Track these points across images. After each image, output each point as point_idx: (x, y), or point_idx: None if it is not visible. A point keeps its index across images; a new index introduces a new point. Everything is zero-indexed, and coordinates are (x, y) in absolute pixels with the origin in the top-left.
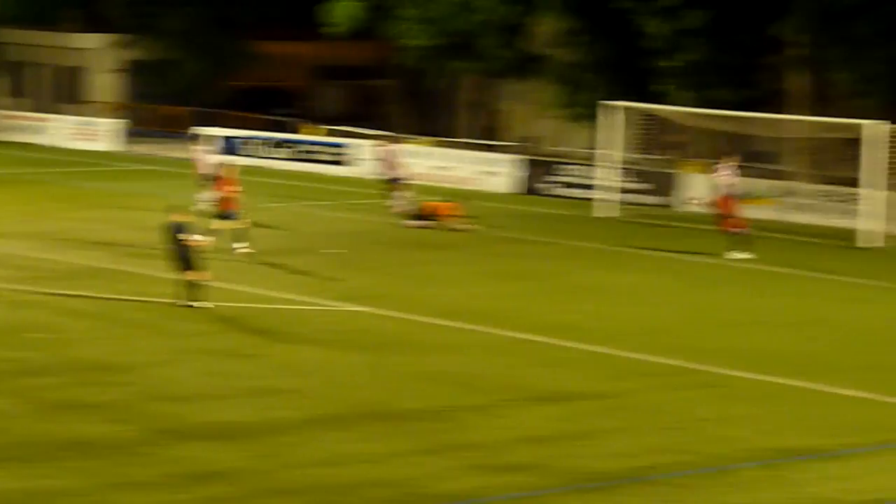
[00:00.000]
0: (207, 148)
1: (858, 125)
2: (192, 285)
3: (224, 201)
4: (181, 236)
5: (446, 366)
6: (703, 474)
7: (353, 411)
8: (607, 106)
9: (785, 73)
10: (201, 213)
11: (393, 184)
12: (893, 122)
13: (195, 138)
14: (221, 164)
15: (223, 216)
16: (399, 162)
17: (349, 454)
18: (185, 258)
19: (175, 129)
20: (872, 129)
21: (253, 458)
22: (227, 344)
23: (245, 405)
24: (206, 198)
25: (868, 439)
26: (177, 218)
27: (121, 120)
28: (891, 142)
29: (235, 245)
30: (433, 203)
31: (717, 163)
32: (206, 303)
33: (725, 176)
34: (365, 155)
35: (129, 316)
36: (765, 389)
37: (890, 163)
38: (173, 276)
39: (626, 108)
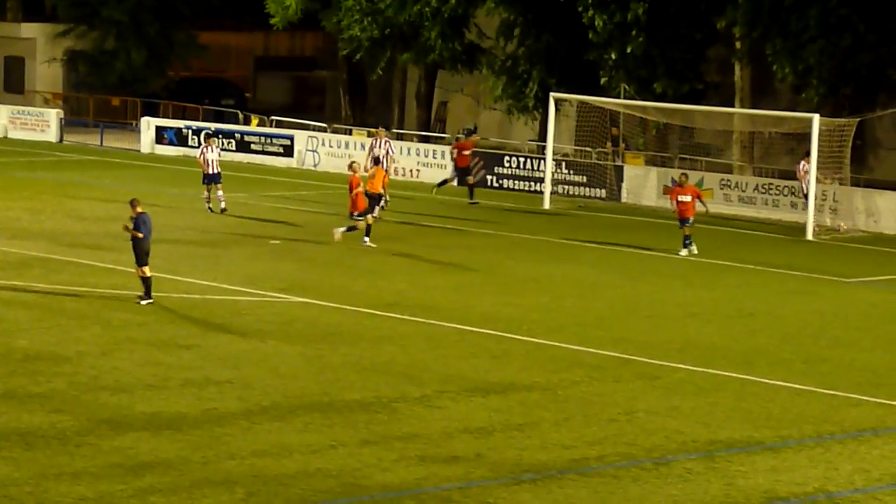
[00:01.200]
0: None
1: (809, 119)
2: (144, 281)
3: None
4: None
5: (387, 357)
6: (642, 466)
7: (293, 402)
8: (551, 98)
9: (727, 65)
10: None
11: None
12: (832, 115)
13: (209, 136)
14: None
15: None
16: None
17: (289, 445)
18: (135, 252)
19: (116, 120)
20: (824, 123)
21: (193, 449)
22: (167, 335)
23: (185, 396)
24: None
25: (806, 431)
26: (137, 210)
27: (60, 110)
28: (836, 135)
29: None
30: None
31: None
32: (149, 300)
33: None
34: (307, 146)
35: (69, 306)
36: (704, 381)
37: (835, 156)
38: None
39: (572, 101)
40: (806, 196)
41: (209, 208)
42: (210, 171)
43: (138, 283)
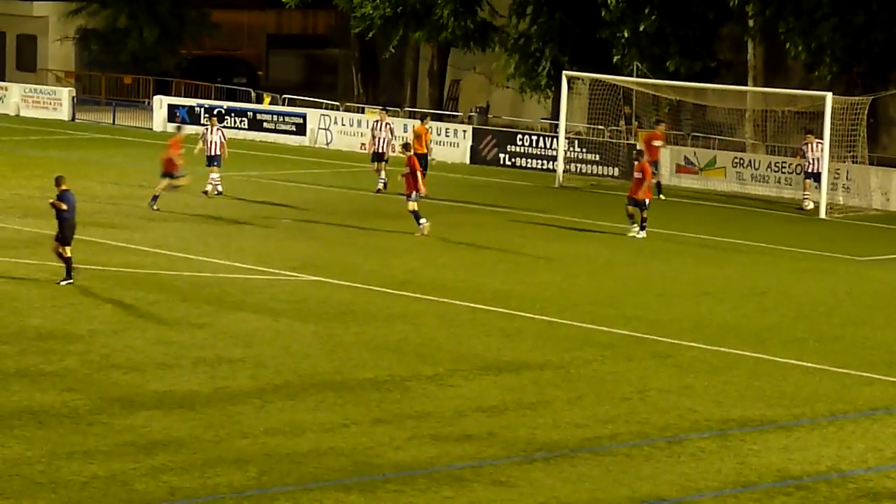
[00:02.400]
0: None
1: (822, 97)
2: (66, 260)
3: (168, 162)
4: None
5: (399, 335)
6: (654, 444)
7: (306, 381)
8: (564, 76)
9: (740, 43)
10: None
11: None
12: (845, 93)
13: (212, 117)
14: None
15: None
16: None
17: (301, 423)
18: (61, 230)
19: (128, 98)
20: (837, 102)
21: (205, 428)
22: (179, 313)
23: (197, 374)
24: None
25: (819, 410)
26: (62, 187)
27: (73, 88)
28: (849, 114)
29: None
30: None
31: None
32: (69, 280)
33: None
34: (319, 124)
35: (81, 284)
36: (717, 360)
37: (848, 135)
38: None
39: (585, 79)
40: (808, 174)
41: (204, 192)
42: (210, 153)
43: (151, 261)
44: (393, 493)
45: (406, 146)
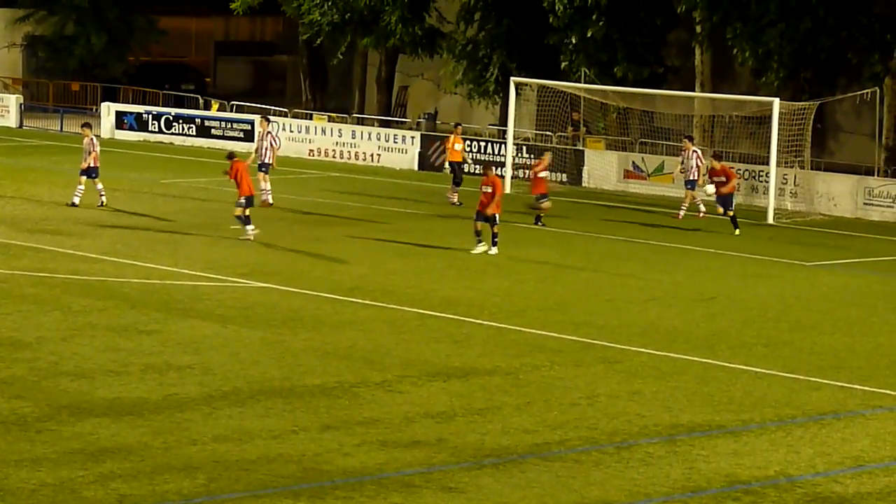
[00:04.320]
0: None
1: (770, 102)
2: None
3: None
4: None
5: (348, 342)
6: (603, 450)
7: (254, 387)
8: (512, 82)
9: (687, 49)
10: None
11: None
12: (792, 99)
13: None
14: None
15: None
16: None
17: (250, 430)
18: None
19: (76, 105)
20: (784, 107)
21: (154, 435)
22: (127, 320)
23: (146, 381)
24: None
25: (767, 415)
26: None
27: (20, 95)
28: (796, 119)
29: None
30: None
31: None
32: None
33: None
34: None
35: (28, 291)
36: (665, 365)
37: (795, 140)
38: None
39: (533, 85)
40: (687, 182)
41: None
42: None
43: (99, 268)
44: (342, 499)
45: (230, 155)
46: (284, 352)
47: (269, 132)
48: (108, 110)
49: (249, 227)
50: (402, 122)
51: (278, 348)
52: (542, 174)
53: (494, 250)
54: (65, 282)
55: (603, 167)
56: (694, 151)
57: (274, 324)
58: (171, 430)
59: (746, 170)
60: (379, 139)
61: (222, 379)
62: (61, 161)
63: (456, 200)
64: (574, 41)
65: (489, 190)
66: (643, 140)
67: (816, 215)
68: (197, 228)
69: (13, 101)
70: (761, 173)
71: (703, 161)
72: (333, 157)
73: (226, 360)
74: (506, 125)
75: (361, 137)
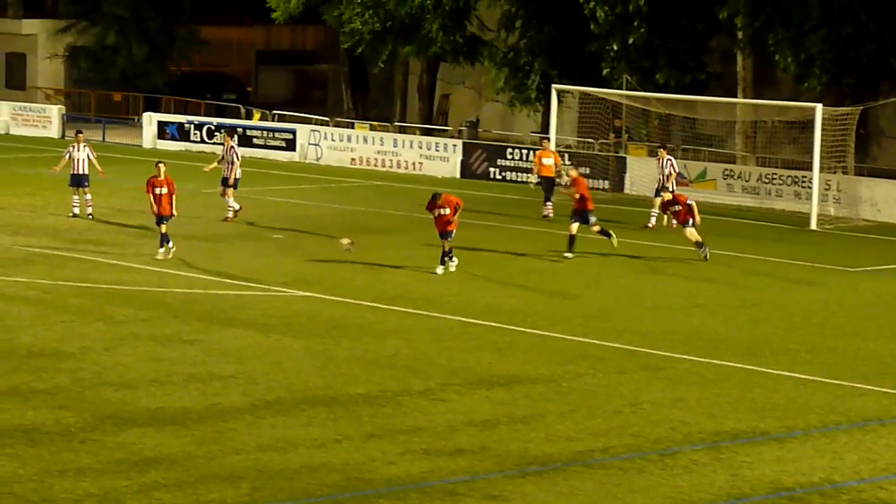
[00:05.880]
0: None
1: (812, 108)
2: None
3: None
4: None
5: (391, 350)
6: (647, 457)
7: (298, 396)
8: (553, 89)
9: (729, 55)
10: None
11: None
12: (835, 104)
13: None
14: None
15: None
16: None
17: (293, 439)
18: None
19: (118, 115)
20: (827, 112)
21: (197, 444)
22: (170, 330)
23: (189, 391)
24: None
25: (811, 421)
26: None
27: (62, 106)
28: (839, 124)
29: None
30: None
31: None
32: None
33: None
34: (309, 140)
35: (72, 302)
36: (709, 372)
37: (838, 146)
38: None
39: (574, 92)
40: (658, 190)
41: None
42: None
43: (142, 278)
44: None
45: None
46: (327, 360)
47: (232, 146)
48: (150, 120)
49: (161, 248)
50: (443, 130)
51: (321, 357)
52: (444, 211)
53: (451, 266)
54: (108, 292)
55: (645, 174)
56: (668, 159)
57: (317, 333)
58: (214, 440)
59: (789, 175)
60: (420, 147)
61: (265, 388)
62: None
63: (549, 214)
64: (615, 48)
65: (447, 212)
66: (685, 146)
67: (860, 221)
68: (239, 238)
69: (55, 111)
70: (804, 179)
71: (677, 169)
72: (375, 165)
73: (269, 370)
74: (547, 133)
75: (403, 146)
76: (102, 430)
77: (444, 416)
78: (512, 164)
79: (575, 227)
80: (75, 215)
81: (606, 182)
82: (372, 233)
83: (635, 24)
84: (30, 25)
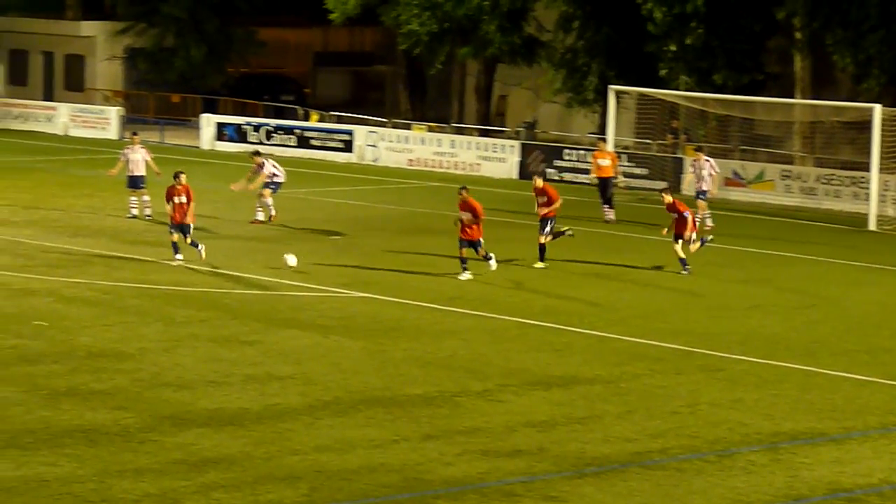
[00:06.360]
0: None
1: (870, 109)
2: None
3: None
4: None
5: (448, 351)
6: (705, 458)
7: (355, 397)
8: (611, 90)
9: (787, 56)
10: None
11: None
12: (893, 105)
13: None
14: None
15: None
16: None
17: (351, 440)
18: None
19: (176, 116)
20: (885, 113)
21: (255, 445)
22: (229, 331)
23: (247, 392)
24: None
25: (870, 422)
26: None
27: (121, 107)
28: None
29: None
30: None
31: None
32: None
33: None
34: (366, 141)
35: (131, 303)
36: (767, 373)
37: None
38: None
39: (632, 93)
40: (698, 193)
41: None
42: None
43: (200, 279)
44: None
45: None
46: (385, 361)
47: (261, 164)
48: (208, 122)
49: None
50: (501, 131)
51: (379, 358)
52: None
53: (493, 264)
54: (167, 293)
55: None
56: (706, 160)
57: (375, 333)
58: (272, 440)
59: (848, 176)
60: (478, 149)
61: (323, 389)
62: (163, 173)
63: (612, 217)
64: (673, 49)
65: (469, 215)
66: (743, 147)
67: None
68: (297, 239)
69: (114, 113)
70: (862, 179)
71: (717, 170)
72: (432, 166)
73: (327, 370)
74: (605, 133)
75: (460, 147)
76: (161, 430)
77: (501, 416)
78: (569, 165)
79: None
80: (133, 217)
81: (664, 183)
82: (429, 234)
83: (692, 24)
84: (89, 27)
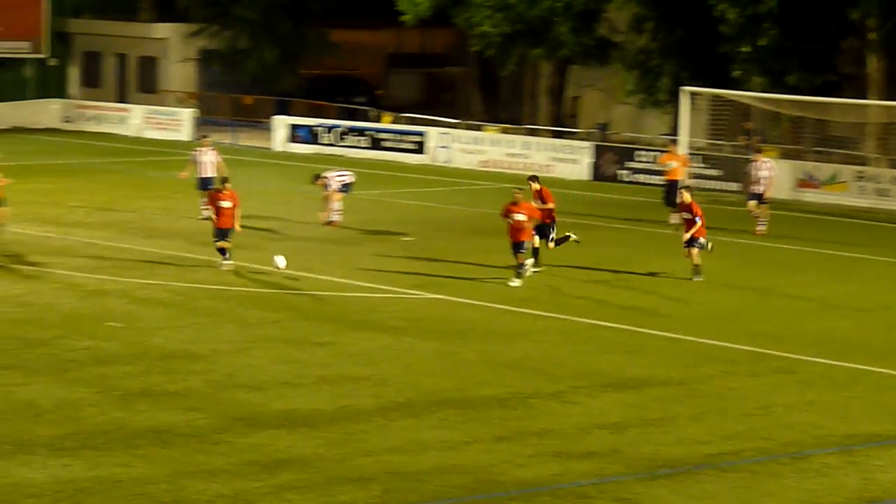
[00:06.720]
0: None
1: None
2: None
3: None
4: None
5: (521, 353)
6: (778, 461)
7: (428, 398)
8: (684, 92)
9: (861, 57)
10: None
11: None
12: None
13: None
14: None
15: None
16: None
17: (424, 441)
18: None
19: (249, 118)
20: None
21: (328, 446)
22: (300, 332)
23: (320, 393)
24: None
25: None
26: None
27: (195, 109)
28: None
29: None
30: None
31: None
32: None
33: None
34: (438, 142)
35: (203, 304)
36: (841, 375)
37: None
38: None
39: (703, 94)
40: (753, 195)
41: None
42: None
43: (273, 280)
44: None
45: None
46: (458, 363)
47: (326, 179)
48: (281, 123)
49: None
50: (573, 132)
51: (451, 359)
52: (520, 217)
53: (520, 280)
54: (239, 294)
55: (776, 176)
56: (764, 162)
57: (447, 335)
58: (345, 442)
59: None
60: (550, 150)
61: (396, 390)
62: (234, 174)
63: (677, 221)
64: (746, 50)
65: (522, 217)
66: (817, 149)
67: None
68: (369, 240)
69: (187, 114)
70: None
71: (774, 173)
72: (505, 167)
73: (399, 372)
74: (677, 135)
75: (533, 148)
76: (234, 431)
77: (574, 418)
78: (642, 167)
79: (537, 240)
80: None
81: (737, 184)
82: (501, 235)
83: (766, 25)
84: (162, 29)
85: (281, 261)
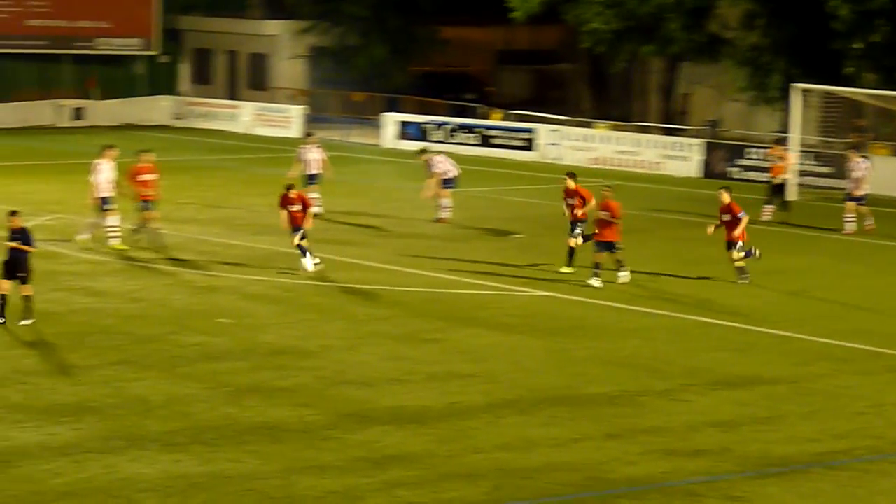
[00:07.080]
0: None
1: None
2: (25, 299)
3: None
4: (15, 244)
5: (630, 350)
6: (890, 460)
7: (537, 396)
8: (795, 89)
9: None
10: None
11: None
12: None
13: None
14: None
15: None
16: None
17: (533, 438)
18: (23, 269)
19: (357, 115)
20: None
21: (438, 443)
22: (409, 329)
23: (429, 390)
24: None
25: None
26: (17, 223)
27: (303, 106)
28: None
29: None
30: None
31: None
32: (29, 321)
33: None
34: (548, 139)
35: (313, 300)
36: None
37: None
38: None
39: (815, 91)
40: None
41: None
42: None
43: (382, 277)
44: None
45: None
46: (567, 360)
47: (429, 162)
48: (391, 120)
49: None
50: (683, 129)
51: (561, 357)
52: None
53: (626, 275)
54: (348, 291)
55: (889, 173)
56: (858, 162)
57: (556, 332)
58: (455, 438)
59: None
60: (660, 147)
61: (505, 387)
62: (344, 171)
63: (769, 216)
64: (859, 46)
65: (606, 215)
66: None
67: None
68: (477, 238)
69: (297, 111)
70: None
71: (868, 172)
72: (615, 165)
73: (508, 369)
74: (788, 132)
75: (643, 145)
76: (344, 427)
77: (684, 416)
78: (753, 164)
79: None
80: (315, 215)
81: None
82: None
83: (879, 22)
84: (273, 26)
85: (309, 263)
